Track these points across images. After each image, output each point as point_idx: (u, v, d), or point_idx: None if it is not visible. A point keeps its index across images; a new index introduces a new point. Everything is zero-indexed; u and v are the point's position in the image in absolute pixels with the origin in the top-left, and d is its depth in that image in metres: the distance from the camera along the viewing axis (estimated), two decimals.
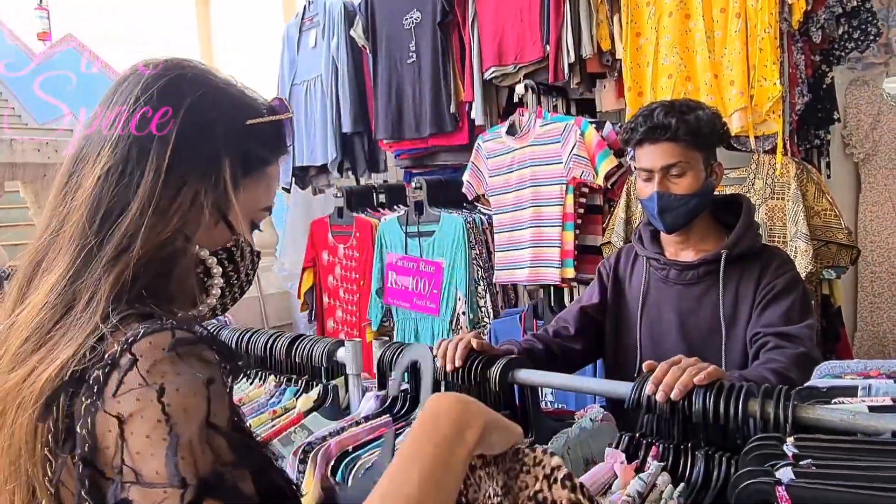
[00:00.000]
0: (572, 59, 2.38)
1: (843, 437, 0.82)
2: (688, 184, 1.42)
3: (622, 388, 1.06)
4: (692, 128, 1.40)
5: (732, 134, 1.95)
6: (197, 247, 0.70)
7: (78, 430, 0.58)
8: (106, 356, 0.59)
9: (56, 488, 0.60)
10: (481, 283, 2.78)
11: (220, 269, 0.72)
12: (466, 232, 2.76)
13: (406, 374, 1.39)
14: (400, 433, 1.26)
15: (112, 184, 0.67)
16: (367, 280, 3.23)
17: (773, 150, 1.96)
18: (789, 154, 1.96)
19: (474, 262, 2.78)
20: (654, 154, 1.43)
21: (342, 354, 1.52)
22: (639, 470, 0.95)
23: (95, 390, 0.58)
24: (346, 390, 1.54)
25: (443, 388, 1.36)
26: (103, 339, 0.61)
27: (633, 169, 1.55)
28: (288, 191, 3.70)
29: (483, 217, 2.80)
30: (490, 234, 2.75)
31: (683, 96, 2.06)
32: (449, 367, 1.26)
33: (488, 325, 2.67)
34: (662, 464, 0.95)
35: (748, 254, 1.44)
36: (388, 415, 1.35)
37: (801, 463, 0.73)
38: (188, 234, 0.69)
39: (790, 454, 0.76)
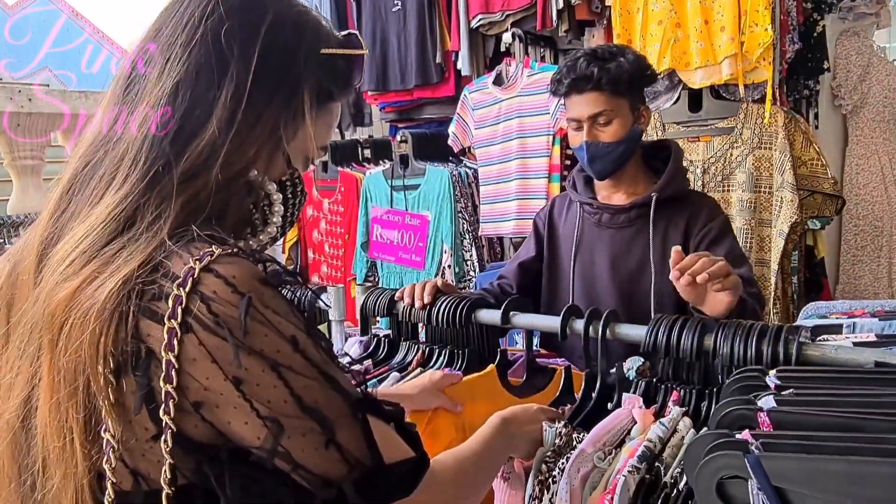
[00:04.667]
0: (560, 5, 2.33)
1: (824, 367, 0.82)
2: (614, 131, 1.44)
3: (634, 332, 1.05)
4: (614, 76, 1.41)
5: (722, 82, 1.93)
6: (266, 179, 0.64)
7: (162, 354, 0.52)
8: (183, 274, 0.54)
9: (123, 414, 0.54)
10: (467, 237, 2.77)
11: (282, 208, 0.66)
12: (452, 185, 2.73)
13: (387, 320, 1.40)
14: (384, 378, 1.26)
15: (185, 101, 0.60)
16: (352, 234, 3.20)
17: (761, 100, 1.94)
18: (778, 103, 1.94)
19: (460, 215, 2.76)
20: (580, 104, 1.44)
21: (325, 300, 1.51)
22: (658, 415, 0.94)
23: (179, 312, 0.52)
24: (330, 336, 1.53)
25: (420, 331, 1.37)
26: (170, 256, 0.55)
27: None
28: None
29: (469, 170, 2.77)
30: (476, 188, 2.73)
31: (673, 43, 2.03)
32: (418, 304, 1.30)
33: (473, 279, 2.67)
34: (684, 409, 0.94)
35: (677, 197, 1.47)
36: (369, 360, 1.35)
37: (783, 392, 0.73)
38: (261, 165, 0.63)
39: (773, 385, 0.76)
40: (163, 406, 0.53)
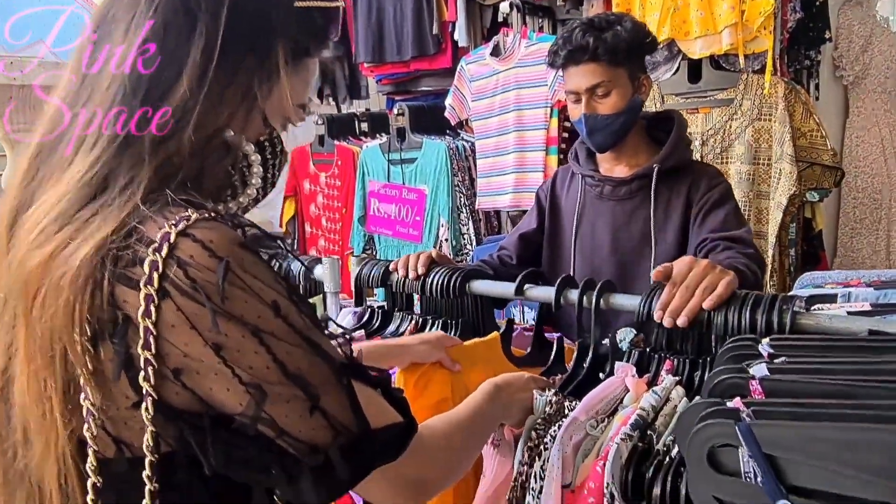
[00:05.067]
0: None
1: (818, 336, 0.81)
2: (614, 103, 1.41)
3: (629, 302, 1.04)
4: (611, 46, 1.37)
5: (722, 51, 1.90)
6: (243, 140, 0.62)
7: (139, 320, 0.51)
8: (158, 238, 0.52)
9: (102, 382, 0.54)
10: (464, 210, 2.76)
11: (261, 169, 0.64)
12: (449, 158, 2.71)
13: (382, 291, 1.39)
14: None
15: (153, 60, 0.57)
16: (350, 208, 3.19)
17: (761, 70, 1.91)
18: (778, 74, 1.91)
19: (457, 188, 2.74)
20: (577, 76, 1.41)
21: (319, 272, 1.50)
22: (651, 384, 0.93)
23: (155, 278, 0.51)
24: (325, 308, 1.52)
25: (415, 303, 1.36)
26: (145, 221, 0.54)
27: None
28: None
29: (466, 143, 2.75)
30: (473, 161, 2.71)
31: (673, 12, 1.99)
32: (412, 275, 1.29)
33: (471, 253, 2.66)
34: (677, 378, 0.93)
35: (679, 168, 1.45)
36: (362, 330, 1.35)
37: (775, 361, 0.72)
38: (237, 125, 0.61)
39: (765, 353, 0.75)
40: (142, 373, 0.52)
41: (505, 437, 0.96)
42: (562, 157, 2.35)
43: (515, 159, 2.44)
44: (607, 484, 0.81)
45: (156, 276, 0.51)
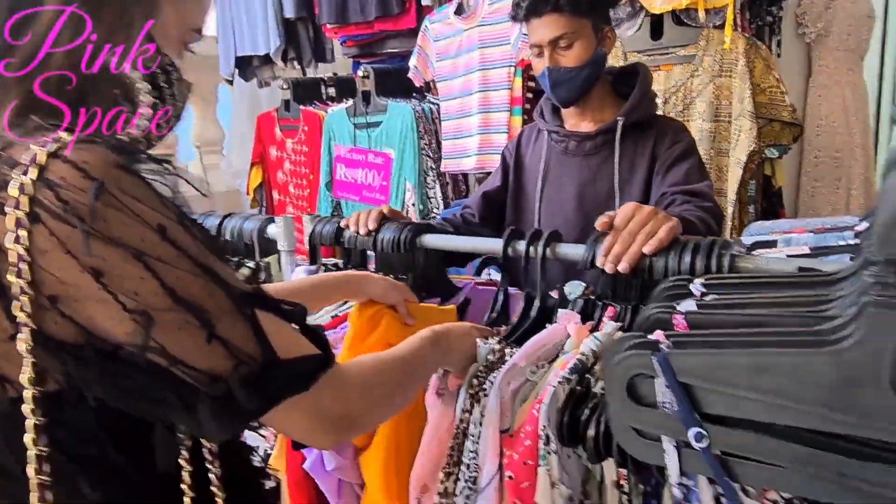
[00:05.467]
0: None
1: (749, 275, 0.81)
2: (577, 55, 1.39)
3: (574, 251, 1.04)
4: None
5: (683, 6, 1.88)
6: (129, 66, 0.59)
7: (10, 247, 0.49)
8: (27, 161, 0.50)
9: None
10: (430, 174, 2.73)
11: (152, 98, 0.61)
12: (415, 121, 2.68)
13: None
14: None
15: None
16: (317, 174, 3.15)
17: (722, 26, 1.90)
18: (739, 30, 1.90)
19: (423, 152, 2.71)
20: (540, 28, 1.39)
21: (273, 231, 1.48)
22: (594, 331, 0.93)
23: (25, 202, 0.49)
24: (280, 267, 1.51)
25: (370, 262, 1.35)
26: (11, 147, 0.51)
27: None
28: (230, 82, 3.52)
29: (433, 106, 2.71)
30: (440, 124, 2.68)
31: None
32: (362, 231, 1.28)
33: (437, 216, 2.64)
34: (619, 324, 0.93)
35: (644, 122, 1.44)
36: None
37: (705, 298, 0.73)
38: (119, 50, 0.58)
39: (698, 292, 0.75)
40: (15, 303, 0.50)
41: (449, 387, 0.96)
42: (526, 117, 2.33)
43: (480, 121, 2.41)
44: (543, 426, 0.81)
45: (25, 199, 0.49)
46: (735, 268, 0.88)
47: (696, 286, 0.76)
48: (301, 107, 3.16)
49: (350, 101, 2.96)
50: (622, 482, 0.74)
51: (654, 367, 0.58)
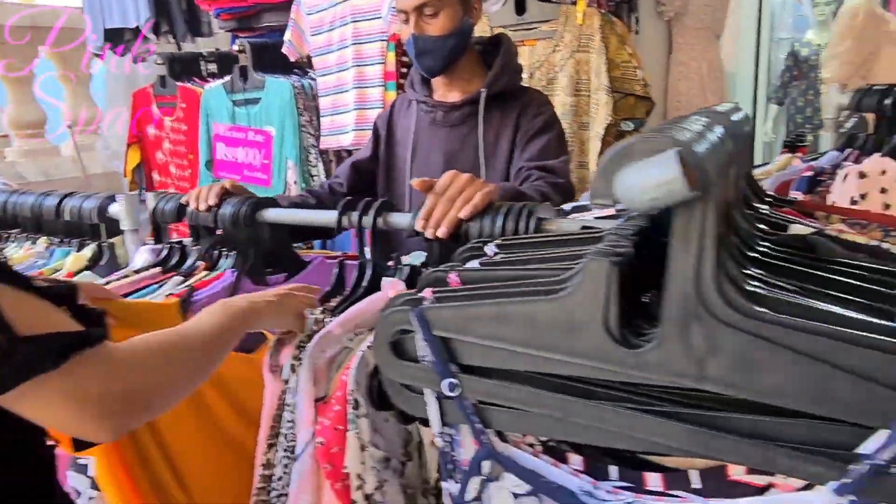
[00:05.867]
0: None
1: (540, 235, 0.85)
2: (442, 24, 1.39)
3: (402, 219, 1.04)
4: None
5: None
6: None
7: None
8: None
9: None
10: (312, 152, 2.69)
11: None
12: (294, 97, 2.63)
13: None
14: (164, 283, 1.21)
15: None
16: (197, 154, 3.04)
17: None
18: (595, 6, 1.96)
19: (304, 129, 2.67)
20: None
21: (115, 210, 1.41)
22: None
23: None
24: (125, 247, 1.45)
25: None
26: None
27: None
28: (100, 56, 3.32)
29: (312, 82, 2.66)
30: (319, 100, 2.63)
31: None
32: (202, 207, 1.25)
33: None
34: (434, 289, 0.94)
35: (507, 93, 1.46)
36: (158, 267, 1.29)
37: (495, 257, 0.75)
38: None
39: (491, 252, 0.78)
40: None
41: (280, 362, 0.96)
42: (401, 92, 2.32)
43: (356, 96, 2.39)
44: (351, 391, 0.82)
45: None
46: (541, 229, 0.92)
47: (491, 247, 0.79)
48: (178, 83, 3.03)
49: (227, 77, 2.87)
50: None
51: (413, 323, 0.60)
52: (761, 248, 0.65)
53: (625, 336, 0.52)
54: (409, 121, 1.55)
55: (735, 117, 0.71)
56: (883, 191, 1.23)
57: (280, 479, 0.88)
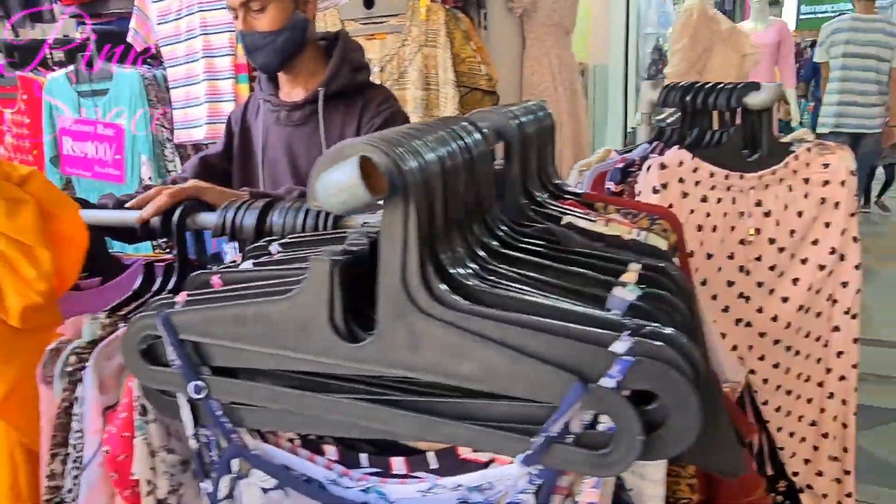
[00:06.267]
0: None
1: (328, 232, 0.87)
2: (271, 19, 1.36)
3: (210, 218, 1.03)
4: None
5: None
6: None
7: None
8: None
9: None
10: (168, 146, 2.59)
11: None
12: (144, 89, 2.51)
13: None
14: None
15: None
16: (42, 149, 2.85)
17: None
18: (440, 1, 2.00)
19: (157, 122, 2.56)
20: None
21: None
22: None
23: None
24: None
25: None
26: None
27: None
28: None
29: (165, 73, 2.55)
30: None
31: None
32: None
33: None
34: None
35: (348, 91, 1.44)
36: None
37: (273, 257, 0.76)
38: None
39: (275, 251, 0.78)
40: None
41: (55, 372, 0.92)
42: (254, 84, 2.27)
43: (207, 88, 2.31)
44: (137, 397, 0.80)
45: None
46: (340, 226, 0.93)
47: (275, 246, 0.80)
48: (17, 73, 2.82)
49: (71, 67, 2.69)
50: None
51: (159, 327, 0.59)
52: (511, 243, 0.69)
53: (351, 331, 0.54)
54: (261, 118, 1.53)
55: (528, 118, 0.75)
56: (681, 180, 1.35)
57: (70, 490, 0.85)
